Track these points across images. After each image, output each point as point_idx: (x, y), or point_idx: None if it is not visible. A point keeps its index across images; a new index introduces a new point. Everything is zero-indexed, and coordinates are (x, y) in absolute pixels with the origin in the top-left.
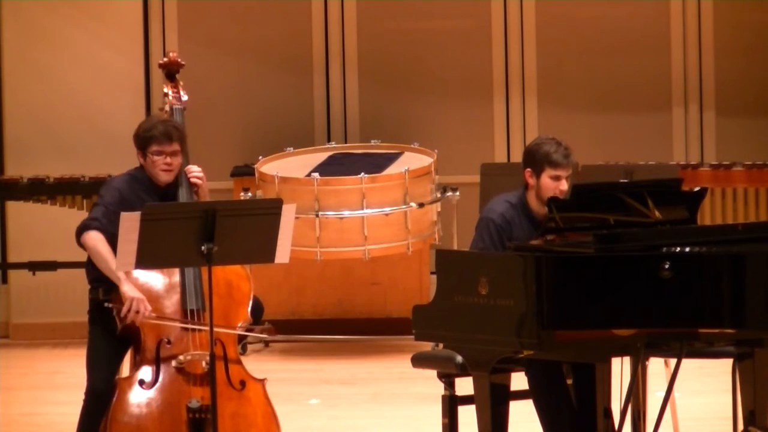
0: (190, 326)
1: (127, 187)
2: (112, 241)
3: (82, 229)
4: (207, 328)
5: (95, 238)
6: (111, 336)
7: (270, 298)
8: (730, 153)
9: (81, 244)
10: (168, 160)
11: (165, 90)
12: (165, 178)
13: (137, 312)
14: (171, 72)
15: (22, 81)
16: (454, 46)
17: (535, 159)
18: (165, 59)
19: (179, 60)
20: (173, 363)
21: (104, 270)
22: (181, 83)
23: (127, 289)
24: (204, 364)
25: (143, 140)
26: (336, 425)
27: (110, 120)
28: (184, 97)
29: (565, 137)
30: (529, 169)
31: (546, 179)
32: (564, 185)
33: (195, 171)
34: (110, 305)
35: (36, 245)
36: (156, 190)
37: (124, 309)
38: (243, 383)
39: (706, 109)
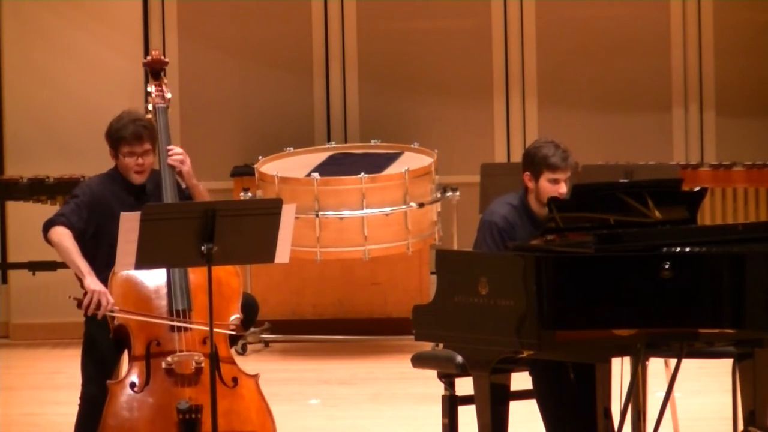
0: (160, 321)
1: (101, 186)
2: (80, 238)
3: (48, 225)
4: (169, 322)
5: (61, 233)
6: (105, 340)
7: (270, 298)
8: (730, 153)
9: (47, 240)
10: (140, 161)
11: (149, 89)
12: (138, 179)
13: (98, 305)
14: (155, 70)
15: (22, 81)
16: (454, 46)
17: (534, 162)
18: (149, 57)
19: (163, 58)
20: (163, 364)
21: (69, 264)
22: (166, 81)
23: (89, 282)
24: (193, 363)
25: (114, 140)
26: (336, 425)
27: (110, 120)
28: (168, 95)
29: (565, 137)
30: (528, 173)
31: (544, 182)
32: (563, 188)
33: (175, 154)
34: (73, 298)
35: (36, 245)
36: (133, 188)
37: (85, 302)
38: (235, 380)
39: (706, 109)
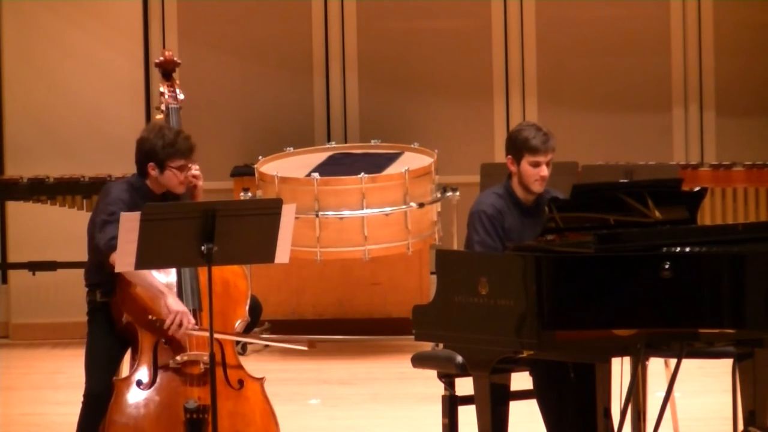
0: (238, 339)
1: (128, 197)
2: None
3: (109, 250)
4: (250, 340)
5: None
6: (109, 338)
7: (270, 298)
8: (730, 153)
9: (112, 265)
10: (187, 174)
11: (161, 89)
12: (181, 190)
13: (180, 325)
14: (167, 71)
15: (22, 81)
16: (454, 46)
17: (515, 145)
18: (161, 58)
19: (175, 58)
20: (171, 363)
21: (145, 286)
22: (178, 82)
23: (171, 302)
24: (201, 364)
25: (165, 155)
26: (336, 425)
27: (110, 120)
28: (180, 96)
29: (565, 137)
30: (510, 156)
31: (526, 165)
32: (544, 171)
33: (194, 169)
34: (153, 317)
35: (36, 245)
36: (155, 199)
37: (168, 322)
38: (241, 382)
39: (706, 109)
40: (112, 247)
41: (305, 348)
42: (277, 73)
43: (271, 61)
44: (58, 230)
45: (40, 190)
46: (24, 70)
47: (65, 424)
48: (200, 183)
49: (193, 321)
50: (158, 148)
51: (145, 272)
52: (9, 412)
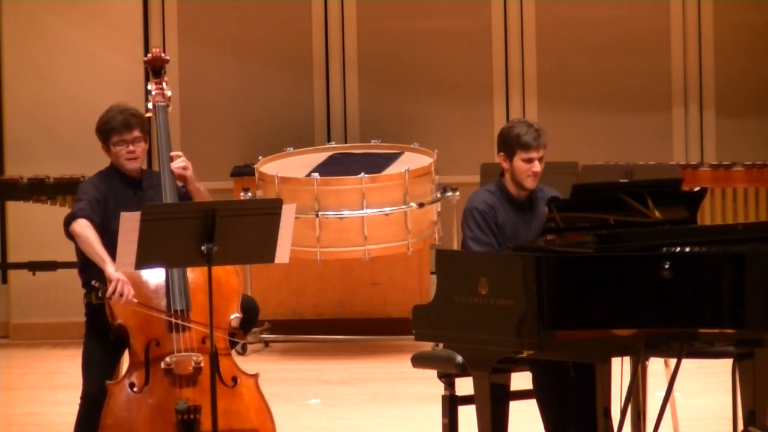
0: (173, 320)
1: (102, 184)
2: (98, 231)
3: (70, 219)
4: (187, 324)
5: (83, 225)
6: (105, 340)
7: (270, 298)
8: (730, 153)
9: (69, 233)
10: (131, 148)
11: (149, 87)
12: (130, 165)
13: (121, 294)
14: (156, 68)
15: (22, 81)
16: (454, 46)
17: (507, 142)
18: (149, 55)
19: (163, 55)
20: (162, 365)
21: (90, 254)
22: (167, 79)
23: (111, 271)
24: (192, 364)
25: (104, 133)
26: (336, 425)
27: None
28: (168, 93)
29: (565, 137)
30: (502, 153)
31: (518, 162)
32: (537, 166)
33: (178, 162)
34: (96, 284)
35: (36, 245)
36: (129, 182)
37: (110, 290)
38: (235, 379)
39: (706, 109)
40: (74, 215)
41: (233, 339)
42: (277, 73)
43: (271, 61)
44: (58, 230)
45: (40, 190)
46: (24, 70)
47: (65, 424)
48: (189, 173)
49: (133, 292)
50: (99, 129)
51: (93, 241)
52: (9, 412)
